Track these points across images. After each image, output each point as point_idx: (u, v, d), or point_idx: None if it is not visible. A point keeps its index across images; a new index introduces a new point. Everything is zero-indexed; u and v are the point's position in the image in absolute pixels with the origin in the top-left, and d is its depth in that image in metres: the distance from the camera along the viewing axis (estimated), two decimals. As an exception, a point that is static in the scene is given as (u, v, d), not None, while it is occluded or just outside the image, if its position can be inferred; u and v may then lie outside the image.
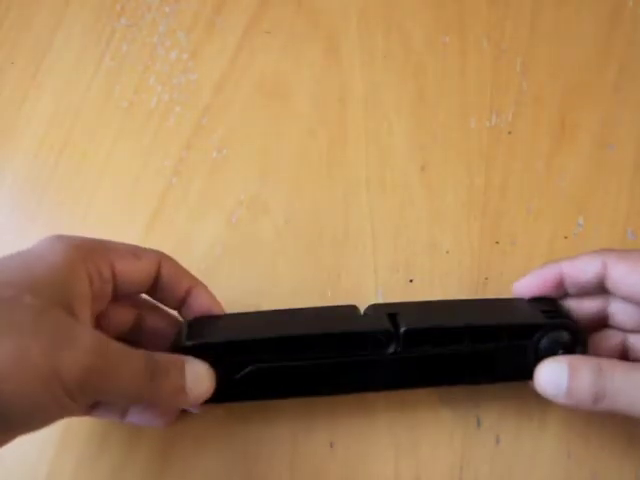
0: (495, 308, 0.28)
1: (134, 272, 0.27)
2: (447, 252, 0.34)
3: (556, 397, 0.26)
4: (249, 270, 0.34)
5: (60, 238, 0.25)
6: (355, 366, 0.27)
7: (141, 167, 0.38)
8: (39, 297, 0.22)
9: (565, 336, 0.27)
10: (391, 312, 0.27)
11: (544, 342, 0.27)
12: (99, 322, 0.27)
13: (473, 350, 0.27)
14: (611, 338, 0.29)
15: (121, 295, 0.27)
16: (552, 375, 0.26)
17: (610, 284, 0.27)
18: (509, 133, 0.36)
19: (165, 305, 0.29)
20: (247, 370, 0.26)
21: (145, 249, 0.28)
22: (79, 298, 0.24)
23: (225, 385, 0.26)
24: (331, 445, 0.31)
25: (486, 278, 0.33)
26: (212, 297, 0.29)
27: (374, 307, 0.29)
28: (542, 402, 0.30)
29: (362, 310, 0.28)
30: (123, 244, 0.28)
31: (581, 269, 0.28)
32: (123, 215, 0.37)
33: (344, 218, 0.35)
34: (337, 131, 0.37)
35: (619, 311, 0.28)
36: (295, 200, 0.36)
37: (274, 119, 0.38)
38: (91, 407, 0.28)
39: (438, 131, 0.36)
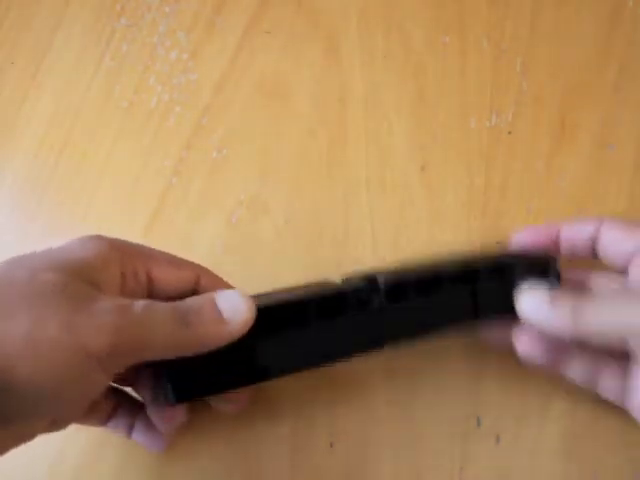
0: (475, 257, 0.30)
1: (171, 280, 0.26)
2: (447, 252, 0.34)
3: (537, 320, 0.26)
4: (249, 270, 0.34)
5: (99, 237, 0.25)
6: (345, 327, 0.27)
7: (141, 167, 0.38)
8: (60, 272, 0.21)
9: (540, 269, 0.28)
10: (370, 276, 0.27)
11: (521, 275, 0.28)
12: None
13: (454, 294, 0.27)
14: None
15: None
16: (534, 299, 0.26)
17: (600, 248, 0.28)
18: (509, 133, 0.36)
19: None
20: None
21: (185, 260, 0.27)
22: (107, 283, 0.23)
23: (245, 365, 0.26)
24: (331, 445, 0.31)
25: (486, 278, 0.33)
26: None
27: (349, 277, 0.29)
28: (542, 401, 0.31)
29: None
30: (163, 252, 0.27)
31: (578, 229, 0.29)
32: (123, 215, 0.37)
33: (344, 218, 0.35)
34: (337, 131, 0.37)
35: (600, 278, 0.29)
36: (295, 200, 0.36)
37: (274, 119, 0.38)
38: (106, 418, 0.28)
39: (438, 131, 0.36)
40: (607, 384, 0.28)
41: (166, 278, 0.26)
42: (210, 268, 0.33)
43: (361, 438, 0.31)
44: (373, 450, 0.31)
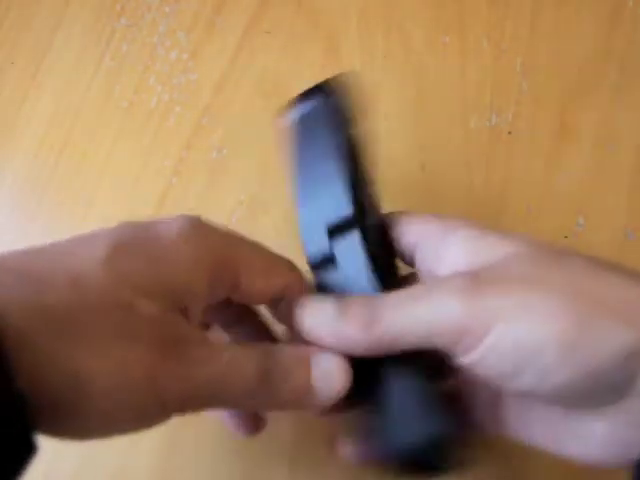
0: None
1: (256, 292, 0.24)
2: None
3: (324, 332, 0.22)
4: (249, 270, 0.34)
5: (195, 230, 0.22)
6: None
7: (141, 167, 0.38)
8: (159, 302, 0.20)
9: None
10: None
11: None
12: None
13: None
14: None
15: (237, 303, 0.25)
16: (319, 308, 0.22)
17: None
18: (509, 133, 0.36)
19: None
20: None
21: (278, 268, 0.25)
22: (195, 300, 0.22)
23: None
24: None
25: (486, 278, 0.33)
26: None
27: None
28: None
29: None
30: (256, 254, 0.24)
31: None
32: (123, 215, 0.36)
33: (344, 218, 0.35)
34: (337, 131, 0.37)
35: None
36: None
37: (274, 119, 0.38)
38: None
39: (438, 131, 0.36)
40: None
41: (251, 290, 0.24)
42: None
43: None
44: (373, 450, 0.31)
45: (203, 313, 0.23)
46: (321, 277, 0.25)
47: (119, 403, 0.19)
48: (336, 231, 0.24)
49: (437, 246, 0.24)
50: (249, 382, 0.21)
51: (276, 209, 0.36)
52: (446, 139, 0.36)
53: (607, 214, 0.34)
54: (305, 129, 0.26)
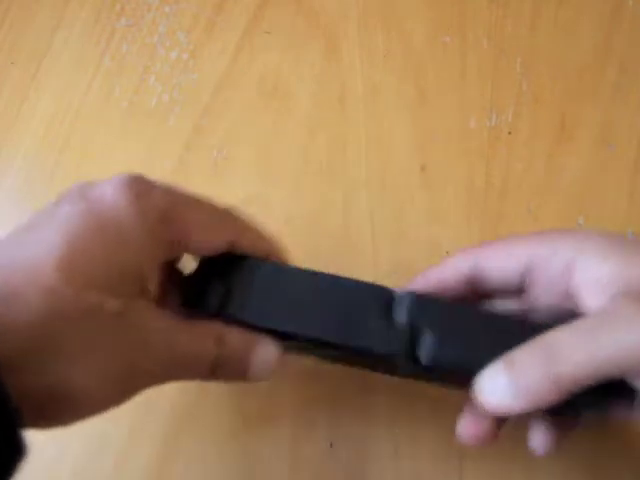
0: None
1: (207, 246, 0.24)
2: (447, 252, 0.34)
3: (505, 404, 0.22)
4: (249, 270, 0.34)
5: (140, 200, 0.22)
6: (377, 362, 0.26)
7: (141, 167, 0.38)
8: (120, 293, 0.21)
9: None
10: (416, 324, 0.24)
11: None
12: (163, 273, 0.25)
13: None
14: None
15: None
16: (487, 382, 0.22)
17: (485, 276, 0.25)
18: (509, 133, 0.36)
19: None
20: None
21: (226, 220, 0.25)
22: (152, 275, 0.22)
23: None
24: (331, 445, 0.31)
25: (486, 278, 0.33)
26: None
27: (409, 303, 0.25)
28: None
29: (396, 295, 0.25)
30: (202, 206, 0.25)
31: (452, 267, 0.26)
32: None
33: (344, 218, 0.35)
34: (337, 131, 0.37)
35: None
36: (295, 200, 0.36)
37: (274, 119, 0.38)
38: None
39: (438, 131, 0.36)
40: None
41: (202, 245, 0.24)
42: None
43: (361, 438, 0.31)
44: (373, 450, 0.31)
45: (159, 282, 0.24)
46: None
47: (100, 401, 0.21)
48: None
49: (562, 262, 0.23)
50: (206, 361, 0.23)
51: (276, 209, 0.36)
52: (446, 139, 0.36)
53: (607, 214, 0.34)
54: None
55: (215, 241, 0.25)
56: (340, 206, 0.35)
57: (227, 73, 0.39)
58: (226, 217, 0.26)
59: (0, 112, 0.40)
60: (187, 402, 0.32)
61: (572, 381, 0.20)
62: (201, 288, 0.25)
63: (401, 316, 0.25)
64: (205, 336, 0.23)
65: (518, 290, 0.26)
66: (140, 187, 0.23)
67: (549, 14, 0.38)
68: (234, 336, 0.24)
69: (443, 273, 0.26)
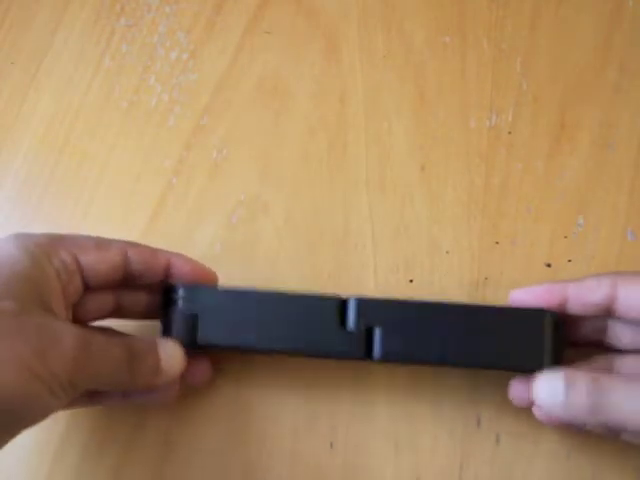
0: (485, 326, 0.28)
1: (100, 263, 0.27)
2: (447, 252, 0.34)
3: (554, 409, 0.26)
4: (249, 270, 0.34)
5: (19, 237, 0.26)
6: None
7: (141, 167, 0.38)
8: (17, 300, 0.23)
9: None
10: (369, 324, 0.28)
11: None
12: (76, 312, 0.28)
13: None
14: (599, 361, 0.29)
15: (94, 286, 0.28)
16: (549, 387, 0.26)
17: (620, 305, 0.27)
18: (509, 133, 0.36)
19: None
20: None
21: (110, 240, 0.29)
22: (52, 293, 0.25)
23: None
24: (331, 445, 0.31)
25: (486, 278, 0.33)
26: (194, 262, 0.30)
27: (357, 305, 0.28)
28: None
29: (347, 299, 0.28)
30: (85, 236, 0.28)
31: (589, 289, 0.27)
32: (123, 215, 0.37)
33: (344, 218, 0.35)
34: (337, 131, 0.37)
35: (617, 330, 0.28)
36: (295, 200, 0.36)
37: (274, 119, 0.38)
38: (89, 397, 0.29)
39: (438, 131, 0.36)
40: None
41: (93, 262, 0.27)
42: (210, 268, 0.33)
43: (361, 438, 0.31)
44: (373, 450, 0.31)
45: (71, 307, 0.27)
46: None
47: (20, 387, 0.22)
48: None
49: None
50: (119, 364, 0.25)
51: (276, 209, 0.36)
52: (446, 139, 0.36)
53: (607, 214, 0.34)
54: None
55: (106, 260, 0.27)
56: (340, 206, 0.35)
57: (227, 73, 0.39)
58: (112, 240, 0.29)
59: (0, 112, 0.40)
60: (186, 402, 0.32)
61: (615, 425, 0.24)
62: (168, 322, 0.29)
63: (353, 320, 0.28)
64: (116, 339, 0.26)
65: None
66: (22, 235, 0.26)
67: (549, 14, 0.38)
68: (136, 338, 0.27)
69: (581, 291, 0.27)
